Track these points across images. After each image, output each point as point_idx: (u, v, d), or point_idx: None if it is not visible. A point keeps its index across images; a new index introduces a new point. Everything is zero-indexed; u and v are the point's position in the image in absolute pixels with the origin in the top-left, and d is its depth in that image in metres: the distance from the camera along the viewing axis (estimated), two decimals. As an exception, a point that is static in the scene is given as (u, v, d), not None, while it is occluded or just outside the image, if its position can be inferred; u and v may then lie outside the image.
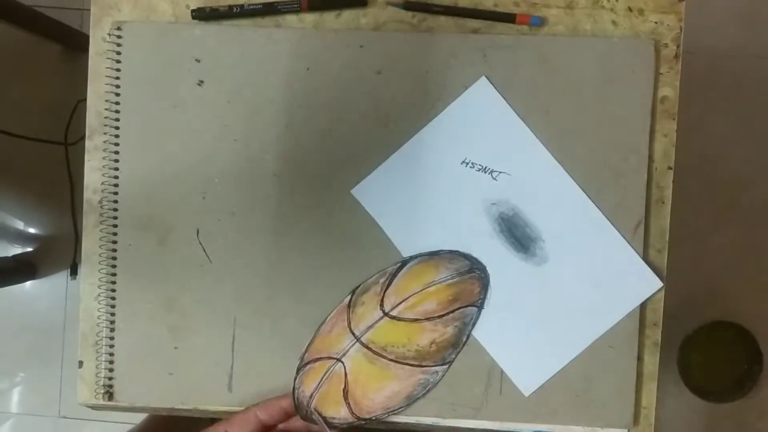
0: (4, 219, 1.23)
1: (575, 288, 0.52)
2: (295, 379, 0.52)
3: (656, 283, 0.52)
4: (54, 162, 1.19)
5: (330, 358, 0.52)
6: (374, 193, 0.53)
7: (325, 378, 0.52)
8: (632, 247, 0.52)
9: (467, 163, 0.52)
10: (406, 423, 0.54)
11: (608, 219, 0.52)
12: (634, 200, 0.52)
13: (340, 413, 0.51)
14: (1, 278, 1.11)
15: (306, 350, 0.53)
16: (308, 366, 0.52)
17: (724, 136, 1.21)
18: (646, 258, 0.52)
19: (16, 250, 1.22)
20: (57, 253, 1.23)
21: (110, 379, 0.54)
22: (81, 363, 0.55)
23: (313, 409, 0.51)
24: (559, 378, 0.52)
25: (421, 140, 0.53)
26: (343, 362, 0.52)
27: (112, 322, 0.54)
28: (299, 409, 0.51)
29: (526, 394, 0.52)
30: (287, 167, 0.53)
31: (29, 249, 1.22)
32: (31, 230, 1.23)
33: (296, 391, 0.52)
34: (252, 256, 0.54)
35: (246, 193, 0.53)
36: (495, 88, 0.52)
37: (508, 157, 0.53)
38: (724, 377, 1.16)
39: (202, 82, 0.53)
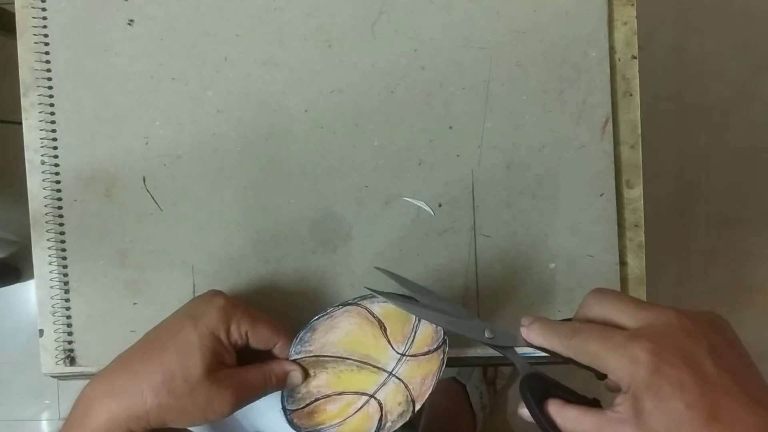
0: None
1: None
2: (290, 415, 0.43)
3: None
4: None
5: (358, 393, 0.43)
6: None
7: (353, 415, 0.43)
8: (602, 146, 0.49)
9: None
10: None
11: (574, 120, 0.49)
12: (599, 96, 0.49)
13: None
14: (-14, 282, 1.09)
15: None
16: (315, 403, 0.44)
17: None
18: (618, 156, 0.49)
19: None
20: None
21: (70, 343, 0.51)
22: (41, 332, 0.53)
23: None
24: (538, 292, 0.49)
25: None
26: (377, 398, 0.42)
27: (66, 284, 0.51)
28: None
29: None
30: (230, 101, 0.50)
31: (12, 252, 1.20)
32: (11, 235, 1.21)
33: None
34: (203, 199, 0.51)
35: (190, 134, 0.51)
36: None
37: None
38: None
39: (132, 21, 0.51)
